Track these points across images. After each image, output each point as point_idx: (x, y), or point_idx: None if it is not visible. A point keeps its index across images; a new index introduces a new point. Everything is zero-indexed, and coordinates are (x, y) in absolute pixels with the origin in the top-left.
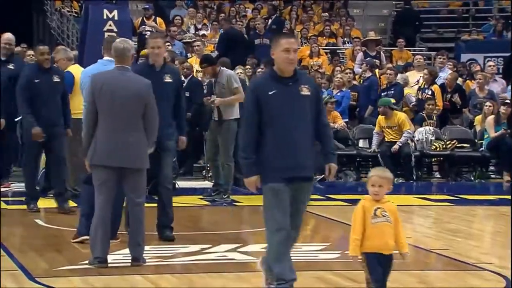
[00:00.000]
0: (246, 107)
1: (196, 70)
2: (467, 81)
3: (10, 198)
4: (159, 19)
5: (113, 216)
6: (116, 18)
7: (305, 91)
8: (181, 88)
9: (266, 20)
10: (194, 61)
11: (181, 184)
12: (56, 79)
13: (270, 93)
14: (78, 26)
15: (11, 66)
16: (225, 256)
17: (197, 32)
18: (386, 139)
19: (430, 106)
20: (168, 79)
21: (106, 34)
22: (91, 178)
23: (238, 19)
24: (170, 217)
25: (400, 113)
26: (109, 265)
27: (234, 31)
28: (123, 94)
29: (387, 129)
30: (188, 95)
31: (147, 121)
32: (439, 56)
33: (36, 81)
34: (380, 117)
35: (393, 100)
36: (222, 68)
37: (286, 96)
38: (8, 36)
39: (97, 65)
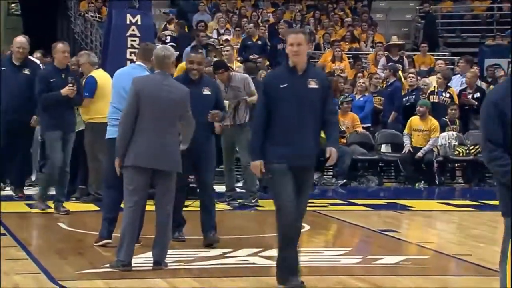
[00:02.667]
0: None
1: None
2: (491, 86)
3: (34, 202)
4: (180, 23)
5: None
6: (139, 23)
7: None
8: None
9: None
10: None
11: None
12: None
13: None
14: (101, 31)
15: (27, 72)
16: (246, 260)
17: (219, 37)
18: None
19: (453, 111)
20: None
21: (129, 39)
22: (113, 182)
23: (261, 24)
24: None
25: (434, 119)
26: (132, 268)
27: (185, 33)
28: (165, 99)
29: (416, 132)
30: None
31: (185, 127)
32: (460, 61)
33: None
34: (413, 118)
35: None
36: (234, 72)
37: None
38: (20, 39)
39: (127, 68)
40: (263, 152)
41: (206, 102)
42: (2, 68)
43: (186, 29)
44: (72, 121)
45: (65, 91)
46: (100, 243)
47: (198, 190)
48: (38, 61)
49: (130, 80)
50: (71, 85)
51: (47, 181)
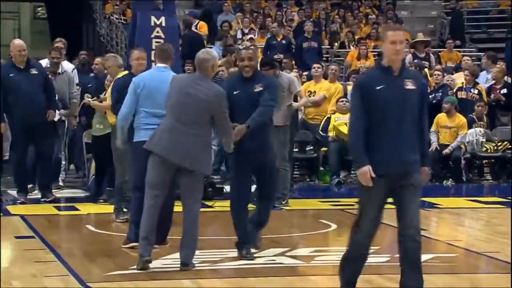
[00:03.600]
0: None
1: None
2: None
3: (61, 204)
4: (201, 23)
5: (164, 220)
6: (163, 24)
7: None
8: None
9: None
10: None
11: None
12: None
13: (377, 88)
14: (126, 33)
15: (34, 71)
16: (273, 260)
17: (244, 37)
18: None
19: (480, 108)
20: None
21: (154, 41)
22: (140, 184)
23: (286, 23)
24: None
25: (462, 116)
26: (159, 269)
27: (193, 34)
28: (194, 98)
29: (443, 129)
30: None
31: (218, 130)
32: (483, 58)
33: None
34: (440, 115)
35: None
36: (281, 71)
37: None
38: (19, 42)
39: (154, 71)
40: (367, 157)
41: (258, 99)
42: (10, 75)
43: (205, 30)
44: None
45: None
46: (128, 245)
47: (257, 197)
48: (72, 66)
49: (161, 82)
50: None
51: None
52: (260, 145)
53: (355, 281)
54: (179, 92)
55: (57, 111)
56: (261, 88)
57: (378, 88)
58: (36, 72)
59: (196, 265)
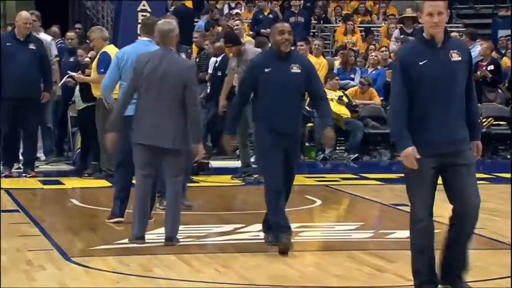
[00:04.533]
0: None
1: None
2: (504, 57)
3: (46, 178)
4: None
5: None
6: None
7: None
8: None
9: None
10: None
11: (214, 164)
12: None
13: (421, 63)
14: (112, 6)
15: (32, 46)
16: (258, 236)
17: (231, 11)
18: None
19: None
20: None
21: (140, 14)
22: (124, 161)
23: None
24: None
25: None
26: (144, 245)
27: (183, 8)
28: (163, 74)
29: None
30: (220, 74)
31: (187, 107)
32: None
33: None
34: None
35: None
36: (246, 47)
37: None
38: (26, 14)
39: (137, 44)
40: (409, 138)
41: (294, 81)
42: (7, 44)
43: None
44: None
45: None
46: (112, 220)
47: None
48: (49, 37)
49: None
50: None
51: None
52: (295, 130)
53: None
54: (150, 72)
55: None
56: (298, 70)
57: (421, 63)
58: (34, 48)
59: (181, 240)
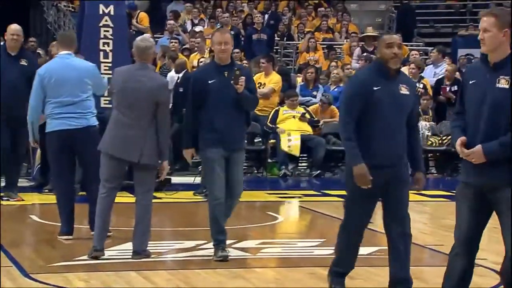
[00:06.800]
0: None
1: (192, 66)
2: None
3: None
4: (141, 15)
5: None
6: (112, 13)
7: (404, 90)
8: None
9: (263, 15)
10: (195, 57)
11: (176, 179)
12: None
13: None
14: (74, 21)
15: (23, 62)
16: None
17: (194, 27)
18: None
19: (425, 102)
20: (404, 90)
21: (102, 30)
22: (59, 173)
23: (235, 14)
24: None
25: None
26: (105, 261)
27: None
28: (136, 90)
29: None
30: (182, 90)
31: (157, 124)
32: (433, 51)
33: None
34: None
35: None
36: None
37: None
38: (15, 26)
39: (58, 59)
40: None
41: (403, 104)
42: None
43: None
44: None
45: None
46: (63, 237)
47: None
48: None
49: (68, 70)
50: None
51: None
52: (401, 158)
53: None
54: (124, 87)
55: None
56: (407, 92)
57: (471, 82)
58: (26, 64)
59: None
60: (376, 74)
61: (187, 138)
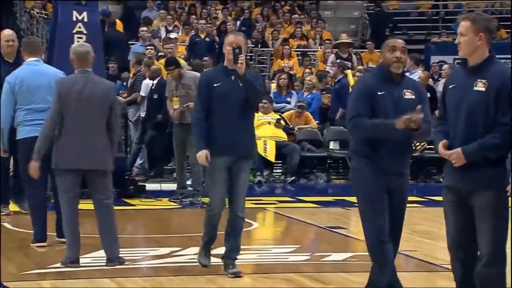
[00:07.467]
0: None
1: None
2: (437, 83)
3: None
4: (117, 22)
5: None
6: (85, 20)
7: (408, 95)
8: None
9: (236, 22)
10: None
11: (151, 186)
12: None
13: (379, 93)
14: (47, 28)
15: None
16: (194, 259)
17: (168, 34)
18: None
19: None
20: (409, 95)
21: (76, 37)
22: (33, 182)
23: (209, 21)
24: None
25: None
26: (78, 268)
27: (114, 34)
28: (87, 96)
29: None
30: (156, 97)
31: (109, 125)
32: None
33: None
34: None
35: None
36: (186, 70)
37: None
38: (8, 32)
39: (27, 66)
40: None
41: (408, 109)
42: None
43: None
44: None
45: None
46: (36, 245)
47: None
48: None
49: (38, 76)
50: None
51: None
52: (404, 168)
53: None
54: (76, 95)
55: None
56: (412, 96)
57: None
58: None
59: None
60: (380, 79)
61: (199, 140)
